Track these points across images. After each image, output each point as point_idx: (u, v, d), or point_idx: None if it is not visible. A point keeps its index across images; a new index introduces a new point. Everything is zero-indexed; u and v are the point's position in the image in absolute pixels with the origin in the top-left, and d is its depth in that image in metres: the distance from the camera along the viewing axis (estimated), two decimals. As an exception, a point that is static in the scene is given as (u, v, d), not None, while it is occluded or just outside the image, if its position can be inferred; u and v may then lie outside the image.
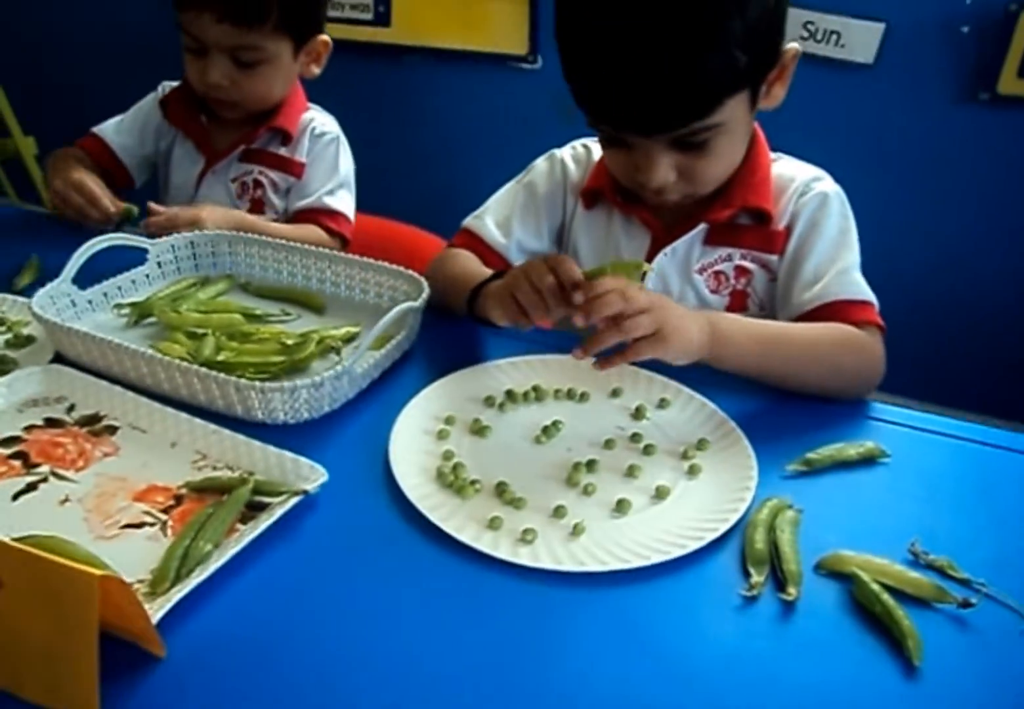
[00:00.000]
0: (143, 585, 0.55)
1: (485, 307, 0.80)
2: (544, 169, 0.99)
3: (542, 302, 0.72)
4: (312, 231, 1.15)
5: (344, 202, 1.21)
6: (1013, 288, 1.62)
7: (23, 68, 2.20)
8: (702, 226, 0.89)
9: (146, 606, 0.50)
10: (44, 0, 2.15)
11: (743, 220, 0.89)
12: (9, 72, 2.14)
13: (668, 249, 0.90)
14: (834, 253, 0.86)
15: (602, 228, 0.95)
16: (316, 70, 1.20)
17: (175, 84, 1.23)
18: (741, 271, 0.90)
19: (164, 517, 0.61)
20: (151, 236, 0.94)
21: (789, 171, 0.91)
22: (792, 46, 0.81)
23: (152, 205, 1.03)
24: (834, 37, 1.55)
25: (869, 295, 0.85)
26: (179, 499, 0.63)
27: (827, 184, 0.90)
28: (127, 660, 0.50)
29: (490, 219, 0.97)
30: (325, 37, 1.18)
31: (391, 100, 1.96)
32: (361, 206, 1.44)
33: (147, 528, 0.60)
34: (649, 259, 0.91)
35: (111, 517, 0.61)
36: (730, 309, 0.91)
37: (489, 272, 0.87)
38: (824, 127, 1.57)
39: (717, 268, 0.90)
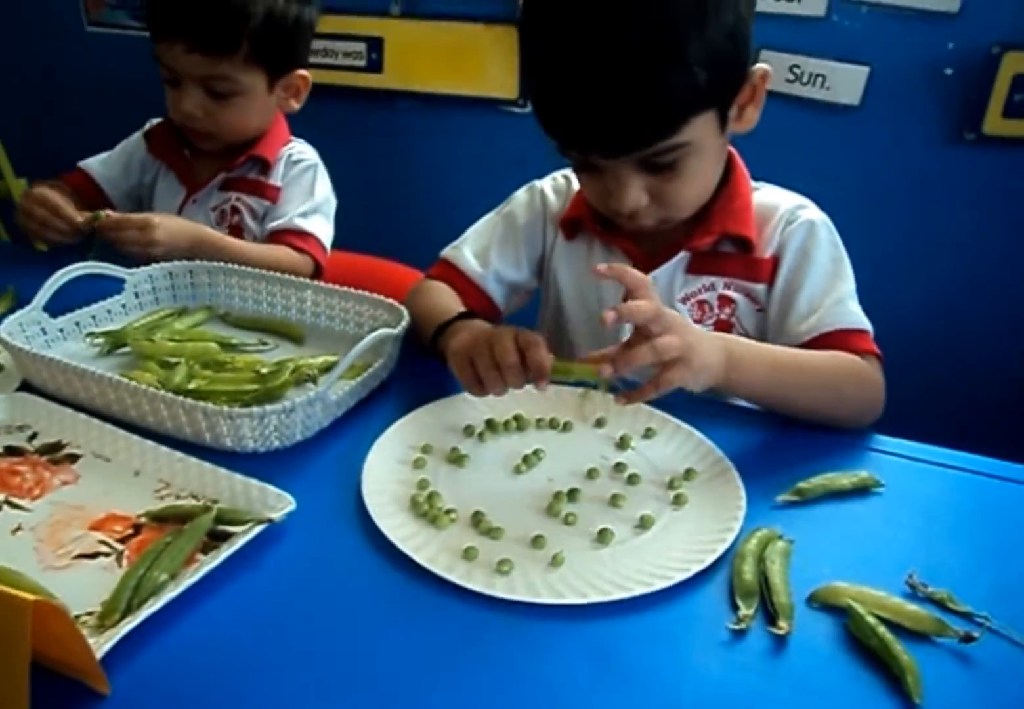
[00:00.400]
0: (92, 617, 0.51)
1: (446, 354, 0.77)
2: (524, 200, 0.98)
3: (500, 379, 0.68)
4: (280, 250, 1.13)
5: (317, 226, 1.18)
6: (1002, 327, 1.61)
7: (15, 109, 2.22)
8: (683, 254, 0.88)
9: (93, 639, 0.47)
10: (38, 42, 2.18)
11: (725, 248, 0.88)
12: (2, 113, 2.16)
13: (649, 278, 0.88)
14: (828, 283, 0.84)
15: (582, 259, 0.94)
16: (295, 105, 1.20)
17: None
18: (725, 300, 0.88)
19: (120, 547, 0.58)
20: (123, 262, 0.93)
21: (772, 199, 0.90)
22: (761, 66, 0.80)
23: (108, 211, 1.02)
24: (819, 80, 1.57)
25: (866, 324, 0.83)
26: (138, 528, 0.60)
27: (813, 212, 0.89)
28: (68, 696, 0.46)
29: (468, 249, 0.95)
30: (303, 72, 1.18)
31: (383, 143, 1.97)
32: (353, 246, 1.44)
33: (101, 558, 0.57)
34: None
35: (64, 547, 0.58)
36: None
37: (461, 307, 0.86)
38: (811, 168, 1.57)
39: (700, 297, 0.88)
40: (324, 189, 1.22)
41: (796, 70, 1.59)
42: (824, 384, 0.77)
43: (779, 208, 0.88)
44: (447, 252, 0.97)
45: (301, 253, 1.15)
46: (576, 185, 0.95)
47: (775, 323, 0.86)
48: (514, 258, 0.96)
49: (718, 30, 0.71)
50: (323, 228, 1.20)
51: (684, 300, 0.89)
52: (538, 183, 0.99)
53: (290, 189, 1.20)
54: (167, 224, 1.02)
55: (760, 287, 0.88)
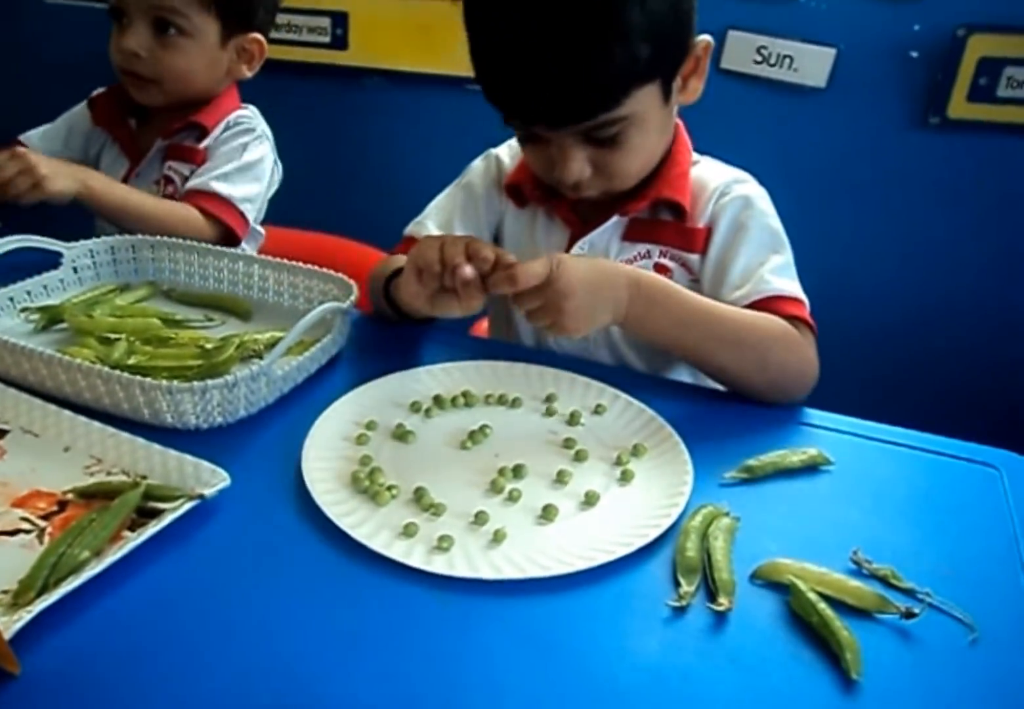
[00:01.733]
0: (7, 596, 0.49)
1: (398, 286, 0.77)
2: (481, 168, 0.97)
3: (440, 276, 0.68)
4: (184, 210, 1.05)
5: (238, 189, 1.09)
6: (963, 308, 1.62)
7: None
8: (617, 219, 0.87)
9: (5, 618, 0.45)
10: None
11: (662, 215, 0.88)
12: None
13: (583, 242, 0.88)
14: (763, 255, 0.83)
15: (526, 225, 0.93)
16: (247, 72, 1.16)
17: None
18: (661, 269, 0.87)
19: (43, 524, 0.56)
20: (62, 236, 0.89)
21: (709, 172, 0.89)
22: (704, 38, 0.79)
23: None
24: (787, 61, 1.56)
25: (801, 294, 0.82)
26: (63, 505, 0.58)
27: (750, 187, 0.88)
28: (-25, 678, 0.44)
29: (431, 223, 0.94)
30: (260, 37, 1.14)
31: (349, 121, 1.94)
32: (318, 225, 1.41)
33: (22, 535, 0.55)
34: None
35: (-18, 524, 0.55)
36: None
37: None
38: (778, 149, 1.57)
39: (637, 264, 0.87)
40: (257, 154, 1.14)
41: (764, 51, 1.57)
42: (745, 341, 0.75)
43: (714, 180, 0.88)
44: (410, 228, 0.95)
45: (210, 218, 1.07)
46: None
47: (708, 294, 0.83)
48: (476, 227, 0.95)
49: (659, 2, 0.70)
50: (244, 191, 1.11)
51: None
52: (494, 150, 0.98)
53: (216, 150, 1.13)
54: (52, 167, 0.96)
55: (694, 257, 0.87)
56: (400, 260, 0.87)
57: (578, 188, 0.82)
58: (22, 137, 1.18)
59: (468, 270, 0.66)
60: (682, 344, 0.76)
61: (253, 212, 1.13)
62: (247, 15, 1.11)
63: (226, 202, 1.09)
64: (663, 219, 0.88)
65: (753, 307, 0.79)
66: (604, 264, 0.74)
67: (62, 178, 0.97)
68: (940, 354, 1.64)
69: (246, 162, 1.12)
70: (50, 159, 0.99)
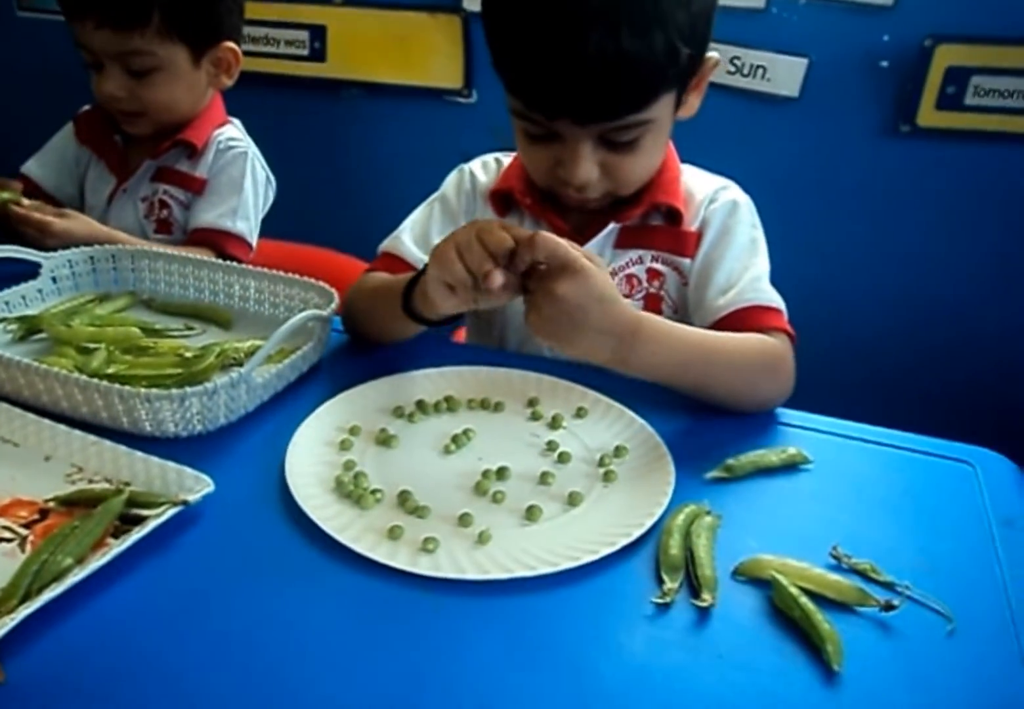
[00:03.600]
0: (-12, 604, 0.49)
1: (423, 292, 0.72)
2: (454, 181, 0.96)
3: (487, 260, 0.64)
4: (204, 255, 1.07)
5: (245, 225, 1.14)
6: (938, 313, 1.65)
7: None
8: (612, 227, 0.87)
9: (-14, 626, 0.45)
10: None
11: (654, 221, 0.88)
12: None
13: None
14: (747, 260, 0.85)
15: None
16: (227, 81, 1.16)
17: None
18: (653, 273, 0.88)
19: (25, 532, 0.55)
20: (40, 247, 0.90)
21: (696, 179, 0.91)
22: (713, 55, 0.80)
23: (24, 201, 1.00)
24: (760, 71, 1.58)
25: (780, 303, 0.83)
26: (44, 513, 0.57)
27: (736, 192, 0.90)
28: (-42, 686, 0.44)
29: (407, 238, 0.92)
30: (232, 45, 1.13)
31: (327, 133, 1.94)
32: (296, 237, 1.41)
33: (3, 544, 0.54)
34: None
35: (-37, 533, 0.55)
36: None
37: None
38: (752, 157, 1.58)
39: (629, 271, 0.88)
40: (255, 181, 1.17)
41: (737, 62, 1.60)
42: (739, 373, 0.75)
43: (704, 186, 0.89)
44: (386, 244, 0.93)
45: (225, 259, 1.07)
46: (507, 164, 0.94)
47: (693, 296, 0.86)
48: None
49: (700, 7, 0.71)
50: (250, 226, 1.15)
51: (613, 274, 0.88)
52: (466, 165, 0.97)
53: (217, 181, 1.15)
54: (70, 232, 0.99)
55: (686, 261, 0.88)
56: (378, 278, 0.87)
57: (583, 190, 0.81)
58: (24, 170, 1.19)
59: (499, 278, 0.63)
60: (680, 382, 0.74)
61: (255, 239, 1.17)
62: (210, 30, 1.11)
63: (237, 238, 1.13)
64: (654, 224, 0.88)
65: (737, 314, 0.81)
66: (620, 302, 0.67)
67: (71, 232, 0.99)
68: (915, 358, 1.66)
69: (247, 193, 1.15)
70: (78, 224, 1.01)
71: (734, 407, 0.76)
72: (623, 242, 0.88)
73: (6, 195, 1.00)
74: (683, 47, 0.71)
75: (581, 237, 0.87)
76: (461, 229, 0.67)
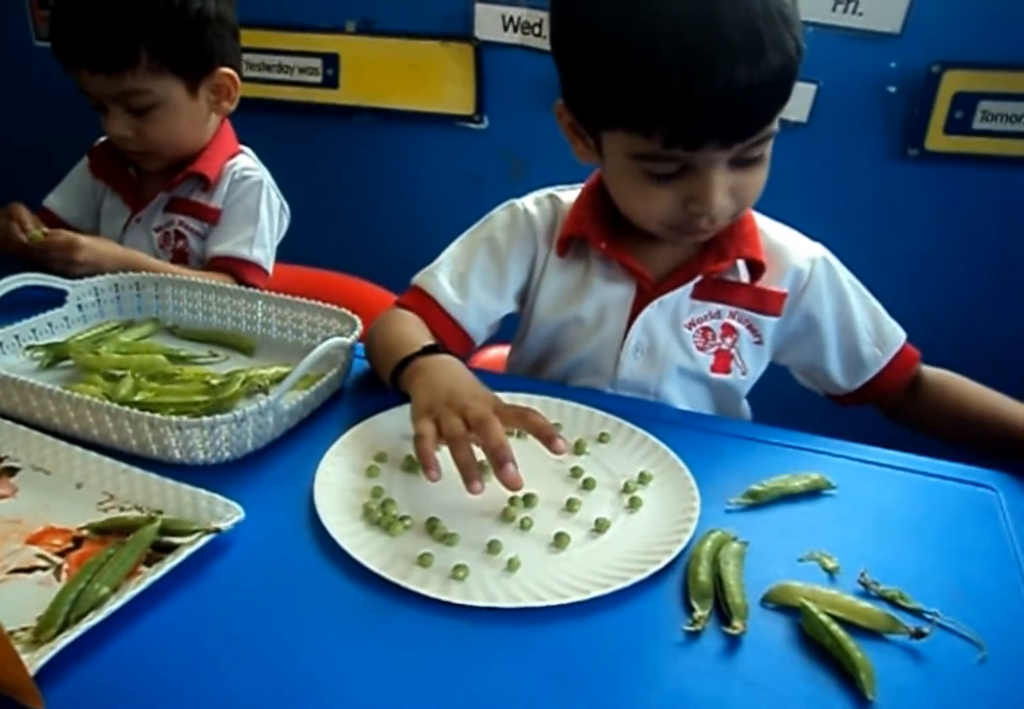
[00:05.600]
0: (27, 633, 0.49)
1: (409, 387, 0.72)
2: (506, 221, 0.90)
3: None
4: (223, 281, 1.08)
5: (262, 253, 1.16)
6: (946, 338, 1.64)
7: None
8: (698, 278, 0.85)
9: (27, 655, 0.45)
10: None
11: (732, 275, 0.86)
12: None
13: (658, 301, 0.85)
14: (868, 305, 0.90)
15: (580, 277, 0.88)
16: (228, 106, 1.17)
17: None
18: (728, 329, 0.87)
19: (59, 561, 0.56)
20: (65, 274, 0.91)
21: (773, 230, 0.90)
22: None
23: (44, 230, 1.02)
24: (769, 97, 1.61)
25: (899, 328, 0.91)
26: (78, 542, 0.58)
27: (817, 248, 0.90)
28: (-2, 716, 0.44)
29: (444, 277, 0.87)
30: (227, 70, 1.13)
31: (339, 158, 1.97)
32: (310, 261, 1.42)
33: (39, 572, 0.55)
34: (637, 310, 0.86)
35: (-1, 561, 0.55)
36: (713, 369, 0.88)
37: (428, 340, 0.79)
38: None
39: (706, 324, 0.87)
40: (270, 208, 1.19)
41: (746, 88, 1.62)
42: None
43: (788, 244, 0.88)
44: (419, 279, 0.89)
45: (242, 285, 1.08)
46: (565, 203, 0.90)
47: (850, 359, 0.89)
48: (496, 287, 0.89)
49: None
50: (267, 254, 1.18)
51: (690, 325, 0.87)
52: (519, 202, 0.92)
53: (233, 210, 1.17)
54: (94, 246, 1.01)
55: (766, 319, 0.87)
56: (398, 326, 0.83)
57: (716, 219, 0.77)
58: (46, 203, 1.22)
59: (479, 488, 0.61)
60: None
61: (271, 266, 1.19)
62: (202, 59, 1.11)
63: (255, 266, 1.15)
64: (733, 280, 0.86)
65: (900, 358, 0.89)
66: None
67: (100, 261, 1.01)
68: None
69: (263, 221, 1.17)
70: (99, 243, 1.03)
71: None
72: (702, 294, 0.86)
73: (38, 233, 1.02)
74: (797, 51, 0.69)
75: (663, 285, 0.86)
76: (462, 408, 0.64)
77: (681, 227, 0.79)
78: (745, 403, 0.94)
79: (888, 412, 0.93)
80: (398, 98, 1.87)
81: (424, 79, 1.83)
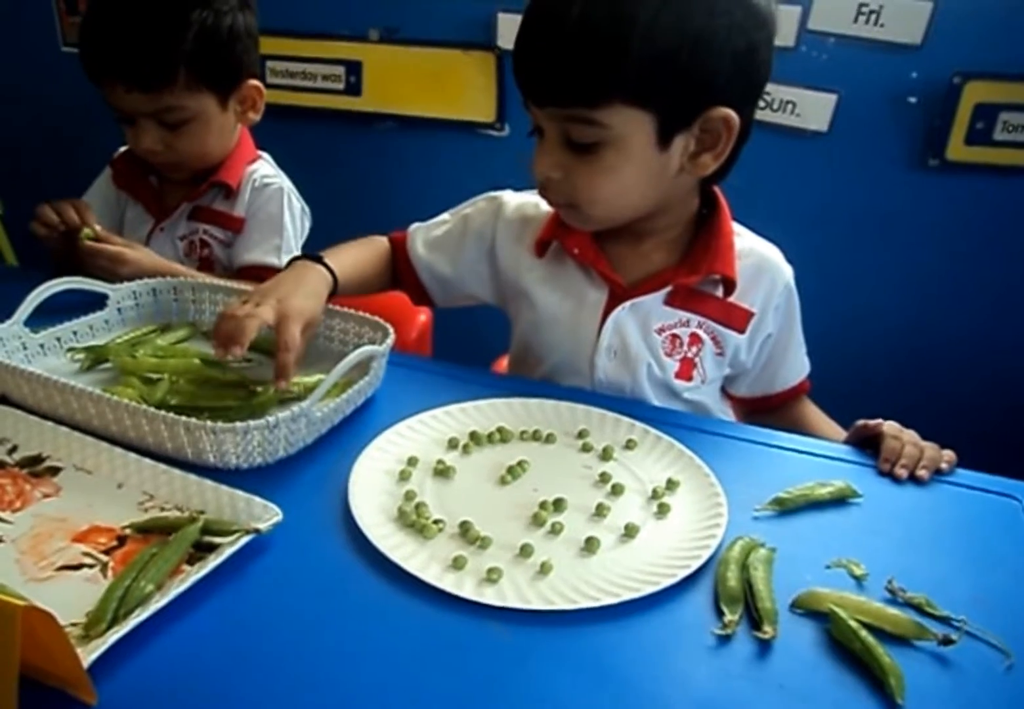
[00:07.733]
0: (77, 628, 0.51)
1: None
2: (483, 207, 1.01)
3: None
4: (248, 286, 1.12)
5: (286, 259, 1.17)
6: (967, 347, 1.65)
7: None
8: (668, 288, 0.89)
9: (79, 649, 0.46)
10: (12, 64, 2.18)
11: (706, 287, 0.90)
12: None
13: (630, 303, 0.89)
14: (800, 333, 0.98)
15: (556, 276, 0.94)
16: (254, 116, 1.18)
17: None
18: (695, 339, 0.90)
19: (105, 558, 0.57)
20: (105, 278, 0.93)
21: (756, 249, 0.93)
22: (724, 111, 0.76)
23: (98, 229, 1.03)
24: (789, 106, 1.61)
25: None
26: (122, 540, 0.59)
27: (789, 270, 0.95)
28: (54, 707, 0.46)
29: (423, 232, 1.02)
30: (255, 82, 1.15)
31: (362, 165, 1.99)
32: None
33: (85, 570, 0.56)
34: (608, 311, 0.90)
35: (46, 558, 0.57)
36: (677, 375, 0.91)
37: (359, 264, 0.96)
38: (782, 190, 1.62)
39: (675, 331, 0.90)
40: (292, 214, 1.21)
41: (767, 97, 1.63)
42: None
43: (768, 266, 0.93)
44: (412, 228, 1.04)
45: None
46: (546, 208, 0.95)
47: (767, 373, 0.97)
48: (452, 257, 1.00)
49: (670, 40, 0.72)
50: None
51: (660, 331, 0.90)
52: (503, 195, 1.01)
53: (257, 218, 1.19)
54: (140, 262, 1.02)
55: (730, 333, 0.90)
56: (375, 246, 1.02)
57: (545, 188, 0.84)
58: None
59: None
60: None
61: None
62: (234, 73, 1.12)
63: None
64: (707, 292, 0.90)
65: (799, 386, 0.99)
66: None
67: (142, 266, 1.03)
68: (945, 390, 1.67)
69: (287, 229, 1.19)
70: (146, 258, 1.05)
71: None
72: (675, 301, 0.90)
73: (88, 232, 1.03)
74: (651, 64, 0.72)
75: (634, 291, 0.89)
76: (271, 301, 0.78)
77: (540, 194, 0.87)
78: (724, 408, 1.00)
79: (746, 412, 1.03)
80: (420, 105, 1.89)
81: (446, 87, 1.85)
